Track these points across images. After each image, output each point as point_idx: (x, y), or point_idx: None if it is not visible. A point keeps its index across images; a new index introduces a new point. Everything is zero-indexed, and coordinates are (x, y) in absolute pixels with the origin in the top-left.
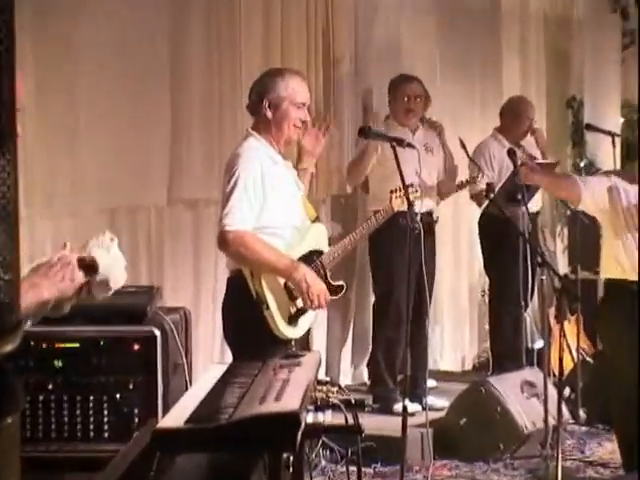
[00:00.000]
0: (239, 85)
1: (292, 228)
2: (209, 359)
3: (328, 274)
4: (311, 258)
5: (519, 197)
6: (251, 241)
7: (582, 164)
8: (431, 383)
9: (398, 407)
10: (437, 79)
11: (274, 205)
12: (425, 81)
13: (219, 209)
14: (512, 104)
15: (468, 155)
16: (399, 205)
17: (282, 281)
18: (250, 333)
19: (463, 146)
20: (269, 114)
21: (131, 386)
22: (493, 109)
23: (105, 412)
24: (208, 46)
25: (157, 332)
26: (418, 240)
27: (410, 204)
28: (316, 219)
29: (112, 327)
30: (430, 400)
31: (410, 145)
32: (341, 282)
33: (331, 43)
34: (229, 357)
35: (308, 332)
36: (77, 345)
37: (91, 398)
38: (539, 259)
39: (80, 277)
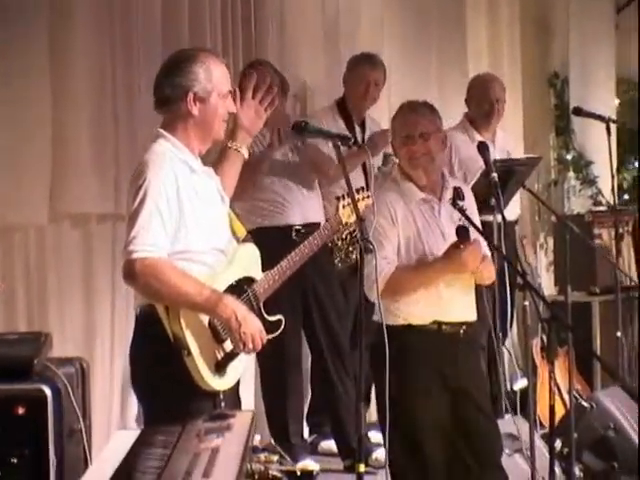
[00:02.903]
0: (136, 76)
1: (216, 251)
2: (106, 422)
3: (262, 307)
4: (241, 288)
5: (492, 203)
6: (165, 270)
7: (569, 157)
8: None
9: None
10: (383, 49)
11: (193, 224)
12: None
13: (125, 228)
14: (475, 83)
15: None
16: (348, 216)
17: (206, 319)
18: (167, 385)
19: None
20: (195, 111)
21: (15, 460)
22: (454, 89)
23: None
24: (97, 28)
25: (48, 391)
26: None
27: (360, 217)
28: (246, 238)
29: None
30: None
31: (357, 144)
32: (279, 316)
33: (252, 13)
34: (131, 418)
35: (238, 383)
36: None
37: None
38: (520, 280)
39: None
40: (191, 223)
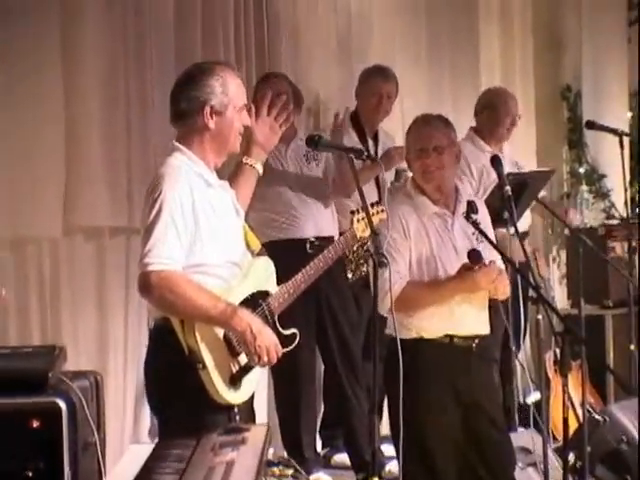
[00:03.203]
0: (149, 87)
1: (231, 264)
2: (119, 435)
3: (276, 320)
4: (256, 301)
5: (506, 216)
6: (181, 284)
7: (582, 170)
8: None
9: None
10: (395, 62)
11: (208, 237)
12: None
13: (138, 242)
14: (488, 98)
15: None
16: (362, 230)
17: (221, 332)
18: (181, 399)
19: None
20: (212, 125)
21: (30, 474)
22: (468, 102)
23: None
24: (111, 38)
25: (62, 404)
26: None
27: (374, 231)
28: (260, 251)
29: (3, 399)
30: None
31: (370, 157)
32: (293, 330)
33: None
34: (144, 432)
35: (252, 396)
36: None
37: None
38: (533, 293)
39: None
40: (206, 236)
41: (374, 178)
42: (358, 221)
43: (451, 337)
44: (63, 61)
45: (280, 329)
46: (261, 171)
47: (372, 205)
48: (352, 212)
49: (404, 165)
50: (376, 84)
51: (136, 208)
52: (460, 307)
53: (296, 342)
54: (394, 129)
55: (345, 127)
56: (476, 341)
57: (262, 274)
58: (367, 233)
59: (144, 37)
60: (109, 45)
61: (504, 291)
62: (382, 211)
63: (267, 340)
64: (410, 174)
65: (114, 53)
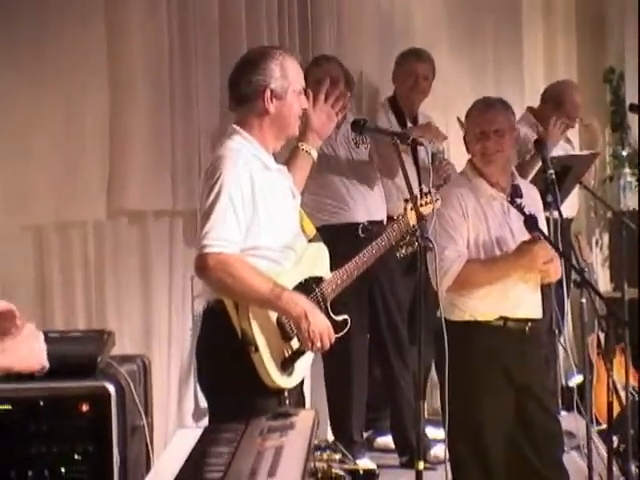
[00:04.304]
0: (194, 72)
1: (286, 249)
2: (164, 419)
3: (329, 306)
4: (309, 287)
5: (549, 199)
6: (238, 267)
7: (624, 153)
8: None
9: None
10: (440, 49)
11: (266, 220)
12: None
13: (197, 225)
14: (558, 90)
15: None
16: (415, 219)
17: (274, 316)
18: (233, 381)
19: (463, 127)
20: (272, 109)
21: (79, 457)
22: (511, 87)
23: None
24: (154, 30)
25: (111, 388)
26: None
27: (421, 216)
28: (315, 237)
29: (54, 383)
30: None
31: (416, 142)
32: (345, 316)
33: (309, 12)
34: (188, 415)
35: (302, 381)
36: (9, 407)
37: (29, 474)
38: (577, 278)
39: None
40: (264, 220)
41: (413, 158)
42: (411, 209)
43: (505, 320)
44: (109, 50)
45: (332, 315)
46: (315, 157)
47: (424, 194)
48: (406, 200)
49: (440, 147)
50: (411, 65)
51: (180, 192)
52: (515, 288)
53: (348, 328)
54: (436, 115)
55: (385, 111)
56: (529, 324)
57: (316, 260)
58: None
59: (188, 29)
60: (154, 36)
61: (557, 272)
62: (437, 200)
63: (321, 326)
64: (444, 156)
65: (159, 43)
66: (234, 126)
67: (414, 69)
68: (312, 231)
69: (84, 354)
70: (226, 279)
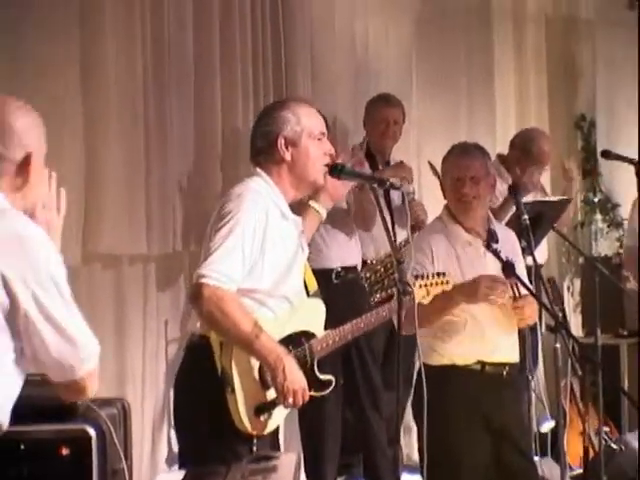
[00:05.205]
0: (168, 113)
1: (283, 299)
2: (138, 463)
3: (315, 364)
4: (299, 340)
5: (523, 245)
6: (230, 305)
7: (596, 199)
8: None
9: None
10: (413, 94)
11: (269, 266)
12: (397, 96)
13: (200, 257)
14: (526, 139)
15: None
16: (422, 297)
17: (257, 363)
18: (207, 418)
19: (435, 172)
20: (288, 156)
21: None
22: (484, 132)
23: None
24: (128, 69)
25: (92, 431)
26: None
27: (398, 260)
28: (315, 292)
29: (34, 426)
30: None
31: (393, 186)
32: (330, 376)
33: (282, 54)
34: (161, 461)
35: (277, 428)
36: None
37: None
38: (553, 322)
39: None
40: (268, 265)
41: (385, 200)
42: (420, 287)
43: (483, 365)
44: (82, 87)
45: (317, 373)
46: (324, 217)
47: (437, 275)
48: (416, 277)
49: (410, 187)
50: (381, 111)
51: (154, 236)
52: (491, 329)
53: (330, 389)
54: (408, 159)
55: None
56: (506, 369)
57: (312, 315)
58: (426, 300)
59: (162, 69)
60: (128, 75)
61: (532, 317)
62: (446, 282)
63: (297, 383)
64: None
65: (133, 82)
66: (257, 169)
67: (384, 115)
68: (314, 286)
69: None
70: (215, 313)
